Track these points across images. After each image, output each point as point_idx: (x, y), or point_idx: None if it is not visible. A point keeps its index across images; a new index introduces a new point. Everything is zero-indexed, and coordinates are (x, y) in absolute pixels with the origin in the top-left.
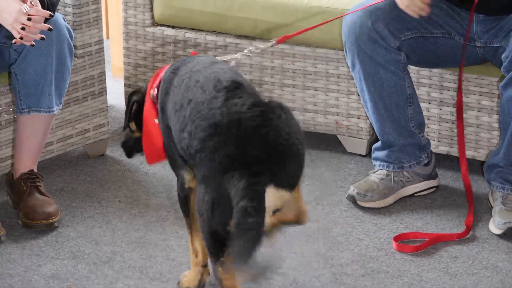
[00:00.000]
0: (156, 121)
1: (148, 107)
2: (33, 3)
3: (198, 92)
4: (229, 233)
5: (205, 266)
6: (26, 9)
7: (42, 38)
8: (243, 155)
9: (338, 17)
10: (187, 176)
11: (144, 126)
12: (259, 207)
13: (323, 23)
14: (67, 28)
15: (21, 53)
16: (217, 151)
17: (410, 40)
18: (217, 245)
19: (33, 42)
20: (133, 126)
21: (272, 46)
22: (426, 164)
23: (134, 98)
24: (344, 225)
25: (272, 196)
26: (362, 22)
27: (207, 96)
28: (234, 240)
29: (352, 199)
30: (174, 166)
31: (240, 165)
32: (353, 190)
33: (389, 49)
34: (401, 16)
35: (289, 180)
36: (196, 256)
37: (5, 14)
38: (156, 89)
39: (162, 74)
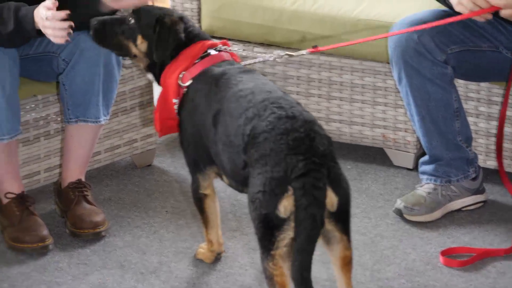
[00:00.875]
0: (175, 100)
1: (171, 84)
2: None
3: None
4: (280, 219)
5: (219, 253)
6: (48, 15)
7: (67, 41)
8: (310, 145)
9: (382, 36)
10: (202, 181)
11: (161, 99)
12: (322, 196)
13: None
14: None
15: (69, 63)
16: (288, 133)
17: (457, 53)
18: (268, 233)
19: (67, 39)
20: (140, 40)
21: (302, 55)
22: (474, 179)
23: (166, 23)
24: (391, 238)
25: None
26: (408, 36)
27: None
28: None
29: (399, 213)
30: (192, 167)
31: (306, 152)
32: (400, 204)
33: (436, 63)
34: (448, 30)
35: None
36: (212, 246)
37: (37, 19)
38: (190, 80)
39: (200, 65)
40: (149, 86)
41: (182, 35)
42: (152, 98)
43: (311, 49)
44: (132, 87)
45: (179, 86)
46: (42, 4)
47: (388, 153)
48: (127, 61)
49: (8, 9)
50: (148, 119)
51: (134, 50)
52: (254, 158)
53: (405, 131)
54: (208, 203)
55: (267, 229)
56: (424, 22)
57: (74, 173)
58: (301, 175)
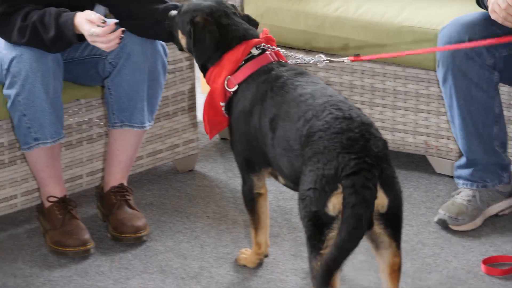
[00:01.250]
0: (222, 104)
1: (217, 89)
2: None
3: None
4: (329, 217)
5: (266, 256)
6: (94, 33)
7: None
8: (364, 145)
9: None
10: (257, 181)
11: (208, 102)
12: (371, 196)
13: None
14: (162, 45)
15: (116, 66)
16: (343, 132)
17: (506, 57)
18: (317, 231)
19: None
20: (180, 35)
21: (342, 62)
22: (507, 183)
23: (199, 24)
24: (432, 246)
25: (378, 195)
26: (459, 37)
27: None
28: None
29: (444, 224)
30: (244, 170)
31: (359, 151)
32: (444, 214)
33: (484, 66)
34: (498, 33)
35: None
36: (260, 248)
37: (88, 38)
38: (236, 85)
39: (247, 70)
40: (191, 91)
41: (217, 35)
42: (194, 103)
43: (352, 58)
44: (174, 92)
45: (226, 90)
46: (85, 16)
47: (431, 161)
48: (170, 66)
49: (49, 14)
50: (190, 125)
51: (179, 42)
52: (308, 156)
53: (448, 139)
54: (261, 202)
55: (316, 227)
56: (475, 24)
57: (117, 177)
58: (351, 174)
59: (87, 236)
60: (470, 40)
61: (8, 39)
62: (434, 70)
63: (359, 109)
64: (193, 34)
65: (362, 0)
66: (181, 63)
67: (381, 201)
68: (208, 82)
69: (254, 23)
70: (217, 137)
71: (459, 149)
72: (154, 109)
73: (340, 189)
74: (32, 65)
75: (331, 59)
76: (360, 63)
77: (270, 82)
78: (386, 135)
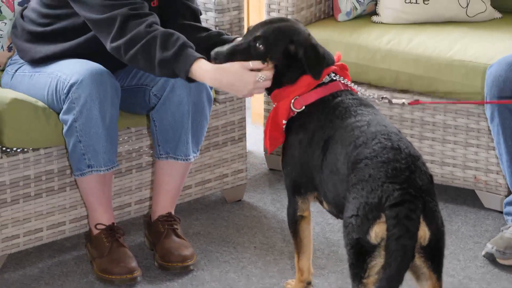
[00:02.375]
0: (284, 121)
1: (283, 107)
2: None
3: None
4: (371, 245)
5: (309, 283)
6: (262, 79)
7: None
8: (409, 176)
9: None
10: (302, 204)
11: (271, 117)
12: (414, 227)
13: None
14: None
15: (160, 99)
16: (389, 162)
17: None
18: (360, 259)
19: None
20: (268, 63)
21: (403, 104)
22: None
23: (303, 43)
24: (480, 281)
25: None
26: (506, 76)
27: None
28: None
29: (491, 257)
30: (291, 191)
31: (403, 182)
32: (492, 248)
33: None
34: None
35: (434, 224)
36: (302, 275)
37: (239, 87)
38: (303, 106)
39: (317, 94)
40: (241, 121)
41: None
42: (244, 133)
43: (412, 102)
44: (225, 122)
45: (291, 110)
46: (242, 67)
47: (479, 195)
48: (221, 96)
49: (177, 39)
50: (239, 155)
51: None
52: (352, 182)
53: (497, 173)
54: (304, 225)
55: (358, 255)
56: None
57: (164, 206)
58: (395, 204)
59: (134, 264)
60: None
61: (120, 41)
62: (484, 105)
63: (409, 142)
64: (307, 55)
65: (414, 34)
66: (231, 93)
67: (423, 233)
68: (274, 99)
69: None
70: (265, 167)
71: (508, 184)
72: (199, 141)
73: (383, 218)
74: (92, 92)
75: (390, 99)
76: (411, 96)
77: (334, 107)
78: (435, 169)
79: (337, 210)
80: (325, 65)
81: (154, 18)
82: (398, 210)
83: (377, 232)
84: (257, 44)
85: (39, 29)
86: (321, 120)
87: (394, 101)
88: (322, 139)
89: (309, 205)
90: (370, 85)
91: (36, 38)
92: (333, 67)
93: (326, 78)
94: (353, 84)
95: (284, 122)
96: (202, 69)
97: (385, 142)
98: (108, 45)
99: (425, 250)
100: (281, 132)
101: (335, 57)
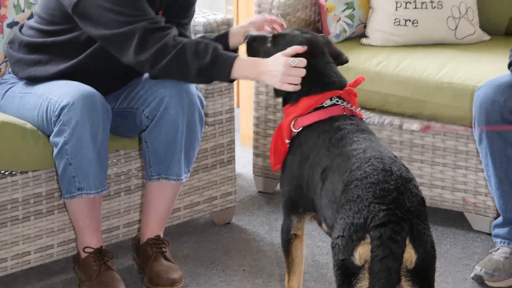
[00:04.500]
0: (287, 141)
1: (285, 126)
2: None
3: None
4: (356, 267)
5: None
6: (295, 62)
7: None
8: (396, 197)
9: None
10: (297, 222)
11: (276, 135)
12: (398, 249)
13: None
14: (199, 97)
15: (153, 120)
16: (378, 183)
17: None
18: (346, 281)
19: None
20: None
21: (413, 131)
22: None
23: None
24: None
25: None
26: (494, 99)
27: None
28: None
29: (480, 279)
30: (287, 209)
31: (391, 203)
32: (481, 270)
33: None
34: None
35: (421, 247)
36: None
37: (274, 72)
38: (301, 127)
39: (314, 116)
40: (230, 144)
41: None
42: (233, 156)
43: (424, 128)
44: (214, 145)
45: (291, 129)
46: (279, 53)
47: (468, 217)
48: (210, 118)
49: (206, 44)
50: (228, 177)
51: None
52: (341, 203)
53: (486, 196)
54: (297, 244)
55: (344, 276)
56: (511, 85)
57: (153, 229)
58: (380, 225)
59: (122, 287)
60: (505, 101)
61: (145, 56)
62: (472, 124)
63: (405, 167)
64: (314, 68)
65: (403, 56)
66: (221, 116)
67: (409, 256)
68: (284, 114)
69: (344, 60)
70: (254, 190)
71: (496, 206)
72: (190, 161)
73: (367, 239)
74: (83, 115)
75: (401, 124)
76: (400, 119)
77: (330, 132)
78: (424, 191)
79: None
80: (329, 89)
81: (176, 31)
82: (382, 230)
83: (361, 253)
84: (269, 41)
85: (38, 40)
86: (318, 145)
87: (404, 126)
88: (320, 166)
89: (304, 224)
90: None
91: (34, 51)
92: (339, 91)
93: (327, 102)
94: (359, 109)
95: (287, 141)
96: (241, 67)
97: (377, 165)
98: (131, 60)
99: (412, 274)
100: (286, 148)
101: (353, 81)
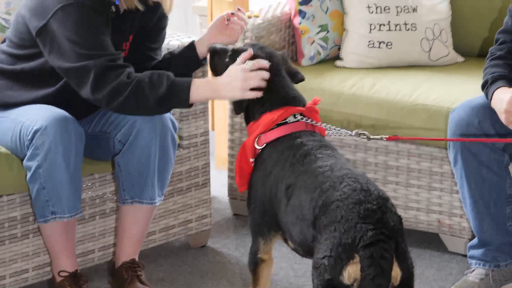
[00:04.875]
0: (251, 160)
1: (249, 144)
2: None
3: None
4: (343, 286)
5: None
6: (249, 66)
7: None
8: (381, 217)
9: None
10: (263, 246)
11: (240, 155)
12: (388, 267)
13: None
14: (171, 120)
15: (125, 144)
16: (361, 203)
17: None
18: None
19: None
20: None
21: (381, 139)
22: None
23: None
24: None
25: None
26: (469, 120)
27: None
28: None
29: None
30: (255, 230)
31: (377, 222)
32: None
33: (494, 150)
34: None
35: (405, 264)
36: None
37: (232, 84)
38: (264, 144)
39: (277, 132)
40: (205, 167)
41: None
42: (208, 179)
43: (392, 137)
44: (188, 168)
45: (255, 147)
46: (235, 63)
47: (443, 239)
48: (185, 141)
49: (158, 75)
50: (203, 200)
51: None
52: (324, 224)
53: (461, 217)
54: (263, 268)
55: None
56: (486, 107)
57: (128, 252)
58: (369, 244)
59: None
60: (479, 123)
61: (101, 94)
62: (447, 145)
63: (375, 184)
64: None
65: (378, 78)
66: (195, 139)
67: (395, 273)
68: (248, 132)
69: (300, 78)
70: (229, 213)
71: (471, 227)
72: (164, 185)
73: (356, 259)
74: (56, 139)
75: (369, 135)
76: (374, 140)
77: (293, 149)
78: (399, 213)
79: (303, 251)
80: (291, 104)
81: (131, 68)
82: (373, 249)
83: (350, 272)
84: (228, 55)
85: (9, 67)
86: (281, 161)
87: (371, 136)
88: (284, 182)
89: (271, 248)
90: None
91: (4, 78)
92: (300, 108)
93: (290, 118)
94: (324, 124)
95: (251, 160)
96: (199, 89)
97: (354, 185)
98: (88, 95)
99: None
100: (250, 170)
101: (311, 102)
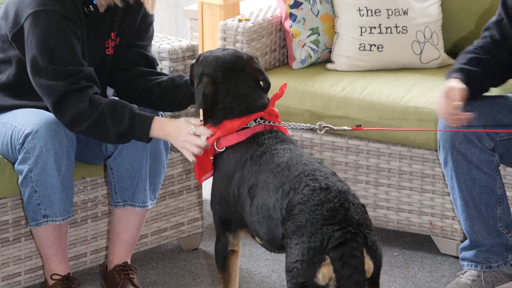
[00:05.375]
0: (211, 158)
1: (209, 146)
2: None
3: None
4: (319, 287)
5: None
6: (193, 130)
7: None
8: (345, 214)
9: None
10: (233, 239)
11: (199, 157)
12: (360, 264)
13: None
14: None
15: (117, 147)
16: (322, 204)
17: (505, 141)
18: None
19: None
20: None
21: (344, 130)
22: None
23: (207, 91)
24: None
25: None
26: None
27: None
28: None
29: None
30: (220, 228)
31: (342, 221)
32: None
33: (484, 150)
34: (498, 118)
35: (376, 255)
36: None
37: (176, 136)
38: (224, 147)
39: (237, 137)
40: None
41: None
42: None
43: (354, 127)
44: (180, 171)
45: (215, 149)
46: (184, 119)
47: (435, 241)
48: None
49: (122, 108)
50: (195, 203)
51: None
52: (291, 230)
53: (453, 219)
54: (233, 260)
55: None
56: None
57: (121, 256)
58: (338, 245)
59: None
60: (469, 124)
61: (62, 119)
62: (437, 147)
63: (334, 173)
64: (195, 93)
65: (369, 81)
66: None
67: (368, 267)
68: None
69: (267, 83)
70: None
71: (463, 229)
72: (156, 188)
73: (328, 260)
74: (47, 142)
75: (331, 126)
76: (365, 143)
77: (251, 150)
78: (391, 215)
79: (273, 246)
80: (250, 112)
81: (94, 89)
82: (342, 250)
83: (324, 273)
84: (193, 68)
85: None
86: (241, 164)
87: (335, 127)
88: (246, 184)
89: (239, 240)
90: (326, 133)
91: None
92: (260, 113)
93: (251, 123)
94: (282, 123)
95: (211, 158)
96: (157, 127)
97: (312, 184)
98: (53, 114)
99: (369, 281)
100: (211, 164)
101: (278, 92)
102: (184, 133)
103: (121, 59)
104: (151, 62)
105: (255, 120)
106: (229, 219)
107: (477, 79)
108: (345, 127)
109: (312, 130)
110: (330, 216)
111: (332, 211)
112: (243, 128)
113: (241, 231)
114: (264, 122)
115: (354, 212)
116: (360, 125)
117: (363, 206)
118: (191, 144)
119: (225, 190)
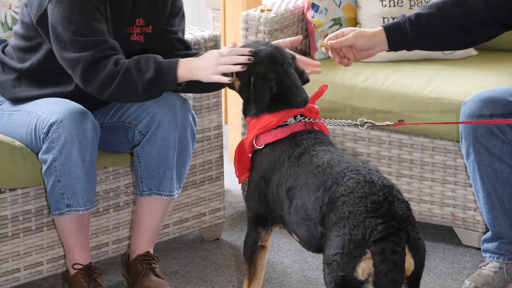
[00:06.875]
0: (250, 154)
1: (247, 142)
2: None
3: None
4: (358, 282)
5: None
6: (227, 51)
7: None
8: (389, 208)
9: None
10: (265, 235)
11: (238, 150)
12: (401, 261)
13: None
14: (192, 114)
15: (146, 135)
16: (367, 196)
17: None
18: None
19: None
20: (234, 77)
21: (387, 126)
22: None
23: (259, 74)
24: None
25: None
26: (480, 113)
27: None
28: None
29: None
30: (253, 223)
31: (385, 215)
32: (470, 285)
33: (506, 142)
34: None
35: (418, 254)
36: None
37: (205, 65)
38: (263, 144)
39: (277, 134)
40: (219, 160)
41: (274, 88)
42: (222, 172)
43: (397, 122)
44: (202, 161)
45: (253, 145)
46: (216, 50)
47: (457, 232)
48: (199, 135)
49: (146, 59)
50: (217, 193)
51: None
52: (333, 221)
53: (475, 210)
54: (262, 254)
55: None
56: (497, 100)
57: (143, 245)
58: (379, 239)
59: None
60: (491, 116)
61: (92, 87)
62: (459, 139)
63: (378, 171)
64: (253, 85)
65: (390, 72)
66: (209, 132)
67: (408, 265)
68: (248, 125)
69: (306, 79)
70: (243, 206)
71: (485, 221)
72: (182, 178)
73: (368, 254)
74: (72, 132)
75: (373, 122)
76: (388, 134)
77: (289, 150)
78: (413, 206)
79: (311, 247)
80: (291, 107)
81: (119, 55)
82: (383, 245)
83: (364, 268)
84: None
85: (18, 65)
86: (279, 165)
87: (377, 123)
88: (284, 185)
89: (270, 235)
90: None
91: (17, 74)
92: (300, 110)
93: (290, 120)
94: (322, 120)
95: (249, 155)
96: (183, 69)
97: (357, 177)
98: (81, 86)
99: (410, 280)
100: (249, 164)
101: (317, 92)
102: (215, 56)
103: (161, 47)
104: (188, 46)
105: (294, 117)
106: (265, 216)
107: (409, 35)
108: (388, 122)
109: (353, 125)
110: (374, 208)
111: (376, 204)
112: (282, 125)
113: (276, 227)
114: (304, 119)
115: (398, 207)
116: (403, 120)
117: (407, 203)
118: (226, 64)
119: (262, 189)
